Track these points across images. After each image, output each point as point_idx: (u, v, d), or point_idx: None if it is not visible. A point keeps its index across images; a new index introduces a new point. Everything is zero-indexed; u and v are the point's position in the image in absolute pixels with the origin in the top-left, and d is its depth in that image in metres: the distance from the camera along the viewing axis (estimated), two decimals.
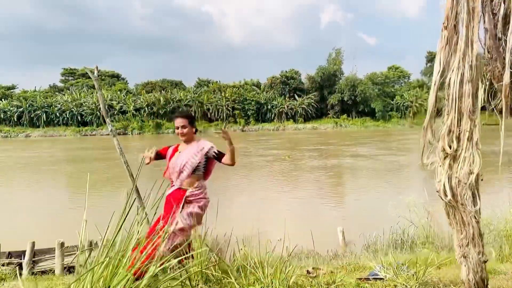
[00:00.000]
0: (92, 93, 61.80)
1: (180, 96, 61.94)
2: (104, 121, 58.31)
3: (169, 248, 3.79)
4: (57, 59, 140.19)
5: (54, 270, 5.28)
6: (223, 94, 62.91)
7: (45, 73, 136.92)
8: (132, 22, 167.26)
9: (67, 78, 72.79)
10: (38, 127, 57.42)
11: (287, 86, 64.16)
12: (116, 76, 74.59)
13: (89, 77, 75.66)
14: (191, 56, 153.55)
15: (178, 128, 4.06)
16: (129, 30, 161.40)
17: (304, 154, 25.03)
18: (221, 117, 60.82)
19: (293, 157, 23.17)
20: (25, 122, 57.55)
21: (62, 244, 5.26)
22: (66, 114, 57.81)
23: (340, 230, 6.69)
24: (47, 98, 60.57)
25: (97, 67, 6.17)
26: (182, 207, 3.90)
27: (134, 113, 58.41)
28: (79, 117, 57.91)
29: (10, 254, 5.37)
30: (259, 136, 46.22)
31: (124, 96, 61.64)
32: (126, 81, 74.97)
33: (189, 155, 4.01)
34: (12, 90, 66.51)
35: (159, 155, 4.21)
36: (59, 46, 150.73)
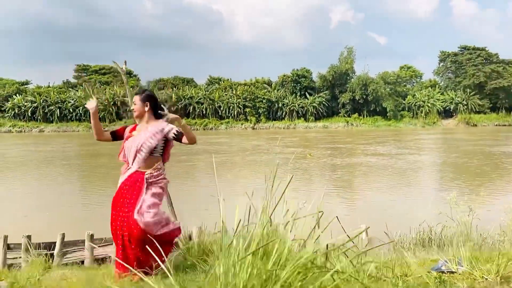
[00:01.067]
0: (105, 89, 62.30)
1: (192, 93, 62.21)
2: (117, 117, 58.90)
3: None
4: (68, 56, 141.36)
5: (83, 261, 5.42)
6: (234, 91, 63.05)
7: (57, 69, 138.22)
8: (143, 21, 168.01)
9: (80, 74, 73.46)
10: (52, 122, 58.10)
11: (298, 84, 64.09)
12: (129, 73, 74.86)
13: (102, 74, 76.50)
14: (201, 54, 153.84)
15: (133, 105, 3.96)
16: (140, 29, 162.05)
17: (324, 153, 24.97)
18: (232, 114, 60.97)
19: (315, 155, 23.13)
20: (39, 117, 58.26)
21: (91, 236, 5.39)
22: (79, 110, 58.40)
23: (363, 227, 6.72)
24: (60, 94, 61.25)
25: (125, 62, 6.29)
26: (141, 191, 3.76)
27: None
28: None
29: (39, 246, 5.52)
30: (272, 134, 46.29)
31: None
32: (138, 78, 75.45)
33: (146, 135, 3.84)
34: (26, 86, 67.38)
35: (116, 135, 4.08)
36: (70, 43, 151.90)
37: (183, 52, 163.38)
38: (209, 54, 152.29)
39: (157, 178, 3.85)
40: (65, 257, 5.48)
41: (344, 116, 62.59)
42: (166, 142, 3.93)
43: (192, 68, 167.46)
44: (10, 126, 55.79)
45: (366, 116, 62.28)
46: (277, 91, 64.25)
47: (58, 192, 13.93)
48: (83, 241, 5.67)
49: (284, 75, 65.93)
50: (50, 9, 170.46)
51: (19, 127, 55.94)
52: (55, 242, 5.44)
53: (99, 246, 5.51)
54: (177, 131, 3.84)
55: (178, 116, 3.89)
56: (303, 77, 64.49)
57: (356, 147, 28.41)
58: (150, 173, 3.83)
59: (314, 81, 65.83)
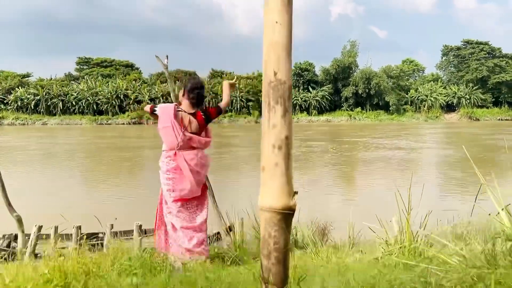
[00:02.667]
0: (108, 82, 62.14)
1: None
2: (120, 110, 58.80)
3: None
4: (69, 48, 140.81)
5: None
6: (237, 85, 62.93)
7: (58, 61, 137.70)
8: (143, 13, 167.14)
9: (82, 67, 73.22)
10: (55, 115, 58.00)
11: (301, 78, 64.05)
12: (130, 66, 74.86)
13: (104, 66, 76.23)
14: (201, 47, 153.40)
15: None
16: (140, 21, 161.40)
17: (344, 146, 24.84)
18: (235, 108, 60.94)
19: (336, 149, 23.06)
20: (41, 110, 58.16)
21: (140, 226, 5.46)
22: (82, 103, 58.30)
23: (396, 220, 6.80)
24: (63, 86, 61.06)
25: (167, 57, 6.31)
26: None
27: (149, 102, 58.63)
28: (94, 106, 58.37)
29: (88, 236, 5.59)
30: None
31: (139, 86, 61.94)
32: (140, 71, 75.26)
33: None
34: (27, 78, 67.15)
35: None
36: (71, 36, 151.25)
37: (182, 45, 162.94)
38: (210, 47, 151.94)
39: (160, 163, 4.13)
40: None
41: (346, 110, 62.62)
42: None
43: (193, 61, 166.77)
44: (13, 119, 55.68)
45: (369, 110, 62.33)
46: None
47: (93, 184, 14.00)
48: (129, 231, 5.75)
49: None
50: (50, 1, 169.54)
51: (22, 120, 55.84)
52: (98, 233, 5.52)
53: (146, 236, 5.59)
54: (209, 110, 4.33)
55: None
56: (306, 71, 64.42)
57: (373, 141, 28.17)
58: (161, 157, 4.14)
59: (317, 75, 65.78)
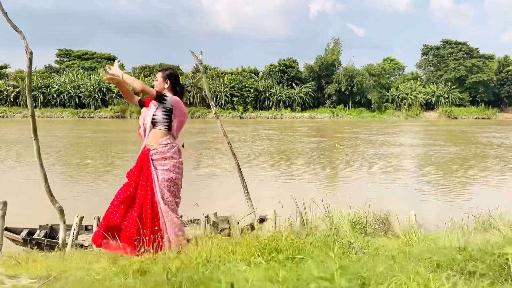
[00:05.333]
0: (90, 75, 61.19)
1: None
2: (103, 104, 58.06)
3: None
4: (45, 40, 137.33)
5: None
6: (221, 80, 62.97)
7: (36, 53, 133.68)
8: (121, 6, 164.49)
9: (62, 59, 71.80)
10: (35, 107, 56.80)
11: (286, 74, 64.47)
12: (112, 59, 73.69)
13: (85, 59, 74.93)
14: (182, 42, 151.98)
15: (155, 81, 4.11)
16: (118, 14, 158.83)
17: (348, 143, 25.15)
18: (220, 103, 60.95)
19: (343, 145, 23.34)
20: (21, 103, 56.91)
21: (180, 217, 5.69)
22: (63, 96, 57.33)
23: (412, 214, 7.21)
24: (43, 79, 59.85)
25: (201, 52, 6.55)
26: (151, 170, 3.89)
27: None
28: (76, 99, 57.47)
29: None
30: (276, 124, 46.59)
31: None
32: (122, 64, 74.26)
33: (149, 107, 3.98)
34: (5, 70, 65.46)
35: (142, 105, 4.14)
36: (47, 27, 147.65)
37: (163, 39, 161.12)
38: (191, 42, 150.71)
39: (162, 156, 3.90)
40: None
41: (329, 107, 63.46)
42: (170, 113, 3.94)
43: (175, 56, 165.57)
44: None
45: (351, 107, 63.31)
46: (264, 80, 64.50)
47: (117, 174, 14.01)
48: None
49: (271, 65, 66.16)
50: None
51: (1, 112, 54.54)
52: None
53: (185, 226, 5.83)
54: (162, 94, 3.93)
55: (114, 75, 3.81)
56: (290, 67, 64.88)
57: (373, 138, 28.56)
58: (155, 149, 3.90)
59: (301, 72, 66.34)
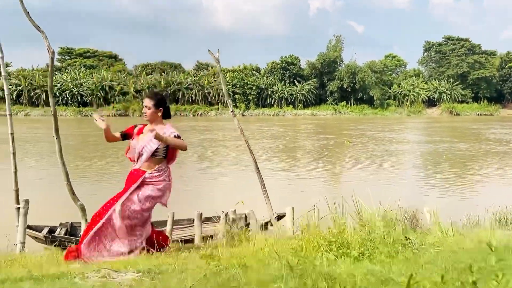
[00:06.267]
0: (92, 73, 61.20)
1: (181, 79, 61.80)
2: (105, 102, 58.08)
3: (126, 226, 3.90)
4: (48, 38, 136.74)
5: (191, 239, 5.78)
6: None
7: (36, 51, 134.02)
8: (119, 3, 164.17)
9: (63, 57, 71.73)
10: (38, 106, 56.89)
11: (287, 71, 64.42)
12: (114, 57, 73.76)
13: (87, 57, 74.89)
14: (182, 39, 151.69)
15: (144, 107, 4.06)
16: (116, 11, 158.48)
17: (357, 140, 25.16)
18: (222, 101, 60.94)
19: (352, 143, 23.34)
20: (24, 101, 56.97)
21: (201, 215, 5.75)
22: (66, 94, 57.35)
23: (427, 211, 7.25)
24: (45, 77, 59.76)
25: (218, 51, 6.57)
26: (139, 188, 3.98)
27: (135, 94, 58.14)
28: (79, 97, 57.51)
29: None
30: (278, 121, 46.59)
31: (124, 77, 61.24)
32: (124, 62, 74.30)
33: (148, 139, 3.98)
34: (6, 68, 65.41)
35: (125, 136, 4.19)
36: (46, 25, 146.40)
37: (162, 37, 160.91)
38: (190, 40, 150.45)
39: (156, 179, 4.03)
40: (173, 234, 5.82)
41: (332, 104, 63.43)
42: (169, 146, 4.03)
43: (175, 53, 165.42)
44: None
45: (353, 104, 63.28)
46: (266, 78, 64.44)
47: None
48: (187, 220, 6.05)
49: (273, 62, 66.10)
50: None
51: (4, 111, 54.47)
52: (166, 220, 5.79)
53: (207, 224, 5.89)
54: (175, 135, 4.00)
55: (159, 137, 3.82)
56: (292, 65, 64.83)
57: (380, 135, 28.62)
58: (151, 173, 4.02)
59: (303, 69, 66.29)
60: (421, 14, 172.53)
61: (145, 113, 4.07)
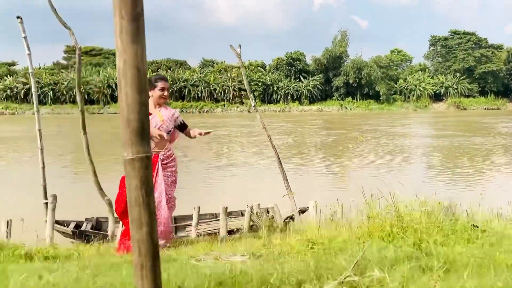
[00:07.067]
0: (98, 71, 61.43)
1: (187, 76, 61.90)
2: (112, 99, 58.28)
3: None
4: (52, 36, 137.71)
5: (216, 233, 5.85)
6: (229, 74, 62.97)
7: (43, 49, 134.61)
8: None
9: (70, 55, 71.96)
10: (45, 104, 57.17)
11: (293, 67, 64.35)
12: None
13: (93, 55, 75.11)
14: (186, 36, 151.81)
15: (163, 90, 4.13)
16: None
17: (369, 135, 25.02)
18: (228, 97, 61.03)
19: (366, 138, 23.26)
20: (31, 100, 57.19)
21: (226, 209, 5.82)
22: (73, 92, 57.51)
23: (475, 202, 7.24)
24: (52, 75, 60.16)
25: (239, 46, 6.61)
26: (159, 173, 4.13)
27: None
28: (85, 95, 57.71)
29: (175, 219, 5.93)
30: (289, 117, 46.54)
31: None
32: None
33: (164, 118, 4.17)
34: (13, 67, 65.87)
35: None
36: (52, 23, 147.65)
37: (166, 33, 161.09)
38: (194, 37, 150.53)
39: (170, 159, 4.22)
40: (198, 229, 5.90)
41: (337, 99, 63.33)
42: (173, 127, 4.31)
43: (180, 50, 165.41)
44: (2, 108, 54.80)
45: (359, 100, 63.15)
46: (272, 74, 64.41)
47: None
48: (211, 215, 6.13)
49: (279, 58, 66.04)
50: None
51: (12, 109, 54.98)
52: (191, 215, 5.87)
53: (231, 218, 5.97)
54: (182, 120, 4.33)
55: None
56: (297, 60, 64.74)
57: (392, 130, 28.43)
58: (164, 153, 4.18)
59: (308, 64, 66.18)
60: (424, 9, 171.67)
61: (167, 96, 4.23)
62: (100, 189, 5.68)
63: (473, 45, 67.93)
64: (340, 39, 65.51)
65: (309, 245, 2.63)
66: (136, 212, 1.12)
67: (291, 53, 65.66)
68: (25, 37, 5.61)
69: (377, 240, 2.69)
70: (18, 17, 5.44)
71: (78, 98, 5.67)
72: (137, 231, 1.12)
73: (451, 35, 70.50)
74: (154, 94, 4.16)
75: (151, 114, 4.24)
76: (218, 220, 6.11)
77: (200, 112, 58.04)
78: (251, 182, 11.84)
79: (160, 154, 4.18)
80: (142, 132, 1.19)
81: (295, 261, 2.38)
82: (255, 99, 60.62)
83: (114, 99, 58.34)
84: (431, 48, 74.06)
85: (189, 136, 4.36)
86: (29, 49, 5.83)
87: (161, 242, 4.00)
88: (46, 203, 5.63)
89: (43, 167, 5.69)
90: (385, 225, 2.81)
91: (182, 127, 4.35)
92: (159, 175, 4.15)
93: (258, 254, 2.62)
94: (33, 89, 5.92)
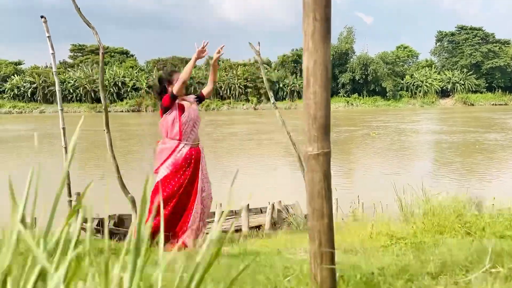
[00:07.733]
0: (104, 69, 61.53)
1: (192, 74, 61.84)
2: (118, 98, 58.49)
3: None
4: (58, 35, 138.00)
5: (235, 230, 5.88)
6: (234, 72, 62.93)
7: (47, 48, 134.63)
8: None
9: (76, 54, 72.27)
10: (52, 103, 57.43)
11: (299, 64, 64.14)
12: (125, 53, 74.09)
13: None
14: (190, 34, 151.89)
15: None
16: (124, 6, 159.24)
17: (381, 132, 25.10)
18: (233, 95, 61.03)
19: (378, 134, 23.32)
20: (38, 98, 57.60)
21: (247, 206, 5.84)
22: (79, 91, 57.88)
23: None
24: (59, 74, 60.22)
25: (259, 43, 6.62)
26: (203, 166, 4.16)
27: (148, 90, 58.41)
28: (92, 94, 57.98)
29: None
30: (296, 114, 46.34)
31: (136, 73, 61.57)
32: (135, 58, 74.59)
33: (196, 110, 4.29)
34: (20, 66, 66.20)
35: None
36: (57, 22, 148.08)
37: (170, 31, 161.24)
38: (199, 34, 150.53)
39: (202, 150, 4.23)
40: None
41: (344, 96, 63.13)
42: None
43: (184, 48, 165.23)
44: (10, 107, 55.15)
45: (366, 96, 62.92)
46: (278, 71, 64.29)
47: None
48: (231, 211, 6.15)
49: (284, 55, 65.90)
50: None
51: (19, 108, 55.31)
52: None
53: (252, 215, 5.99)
54: (197, 94, 4.64)
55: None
56: None
57: (400, 126, 28.46)
58: (201, 144, 4.26)
59: None
60: (429, 4, 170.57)
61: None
62: (123, 186, 5.72)
63: (480, 41, 67.44)
64: (346, 36, 65.28)
65: (392, 240, 2.63)
66: (318, 203, 1.18)
67: (296, 50, 65.47)
68: (49, 37, 5.64)
69: (450, 235, 2.69)
70: (42, 17, 5.47)
71: (101, 96, 5.72)
72: (318, 221, 1.17)
73: (458, 30, 70.02)
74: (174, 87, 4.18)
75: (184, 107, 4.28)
76: (234, 218, 6.15)
77: (206, 110, 58.04)
78: (268, 179, 11.83)
79: (199, 145, 4.20)
80: (327, 128, 1.28)
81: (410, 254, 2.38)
82: (260, 97, 61.00)
83: (120, 97, 58.50)
84: (438, 43, 73.60)
85: (213, 79, 4.50)
86: (52, 49, 5.86)
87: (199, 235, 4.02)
88: (70, 201, 5.68)
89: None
90: (449, 221, 2.82)
91: (200, 97, 4.54)
92: (205, 168, 4.16)
93: (349, 249, 2.64)
94: (57, 88, 5.97)
